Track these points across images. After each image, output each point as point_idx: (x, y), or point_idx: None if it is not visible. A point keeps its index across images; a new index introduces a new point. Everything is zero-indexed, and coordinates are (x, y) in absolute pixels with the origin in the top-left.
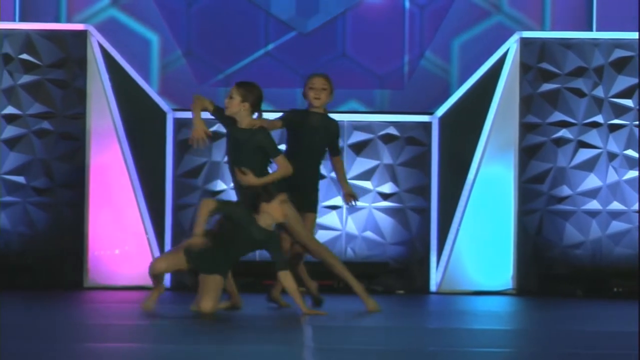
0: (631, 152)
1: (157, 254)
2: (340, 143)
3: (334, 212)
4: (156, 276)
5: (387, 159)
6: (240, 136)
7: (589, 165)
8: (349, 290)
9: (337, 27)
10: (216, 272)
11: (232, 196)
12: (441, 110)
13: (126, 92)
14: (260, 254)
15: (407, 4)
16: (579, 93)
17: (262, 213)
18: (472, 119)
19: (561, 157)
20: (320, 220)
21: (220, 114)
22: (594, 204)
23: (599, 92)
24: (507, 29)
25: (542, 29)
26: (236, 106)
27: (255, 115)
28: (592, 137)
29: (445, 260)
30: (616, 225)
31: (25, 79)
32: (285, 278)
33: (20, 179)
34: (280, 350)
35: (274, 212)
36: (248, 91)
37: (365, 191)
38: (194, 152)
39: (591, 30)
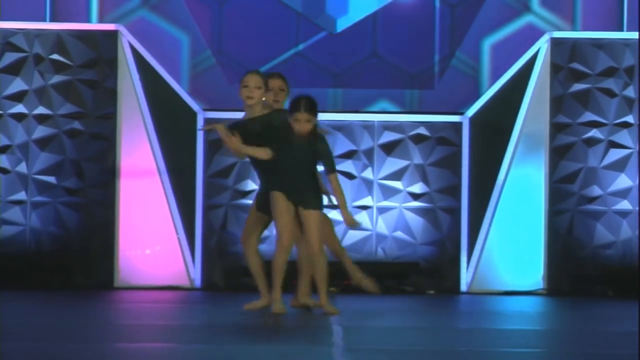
0: None
1: (187, 254)
2: (371, 143)
3: (364, 212)
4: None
5: (418, 159)
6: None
7: (619, 166)
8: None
9: (367, 27)
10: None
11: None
12: (472, 111)
13: (157, 92)
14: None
15: (438, 4)
16: (610, 93)
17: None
18: (503, 119)
19: (592, 157)
20: None
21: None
22: (624, 204)
23: (630, 92)
24: (537, 29)
25: (573, 29)
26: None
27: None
28: (623, 137)
29: (476, 260)
30: None
31: (56, 79)
32: (336, 181)
33: (51, 179)
34: (309, 349)
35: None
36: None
37: (396, 191)
38: (224, 153)
39: (622, 30)
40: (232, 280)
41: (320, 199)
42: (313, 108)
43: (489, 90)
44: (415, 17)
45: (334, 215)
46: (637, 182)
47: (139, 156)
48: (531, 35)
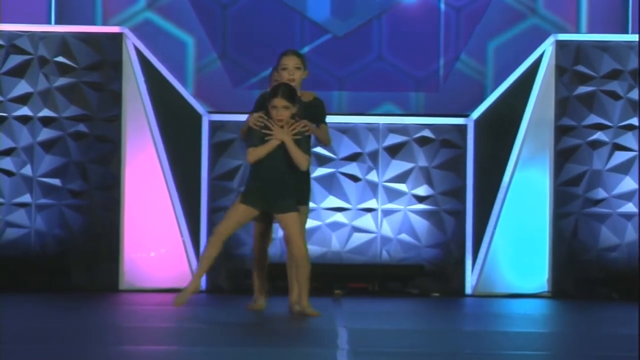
0: None
1: (192, 256)
2: (376, 145)
3: (369, 215)
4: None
5: (423, 162)
6: None
7: (624, 168)
8: (383, 293)
9: (372, 29)
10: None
11: None
12: (476, 113)
13: (161, 95)
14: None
15: (443, 7)
16: (615, 96)
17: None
18: (508, 122)
19: (596, 159)
20: (356, 222)
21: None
22: (629, 207)
23: (635, 94)
24: (542, 31)
25: (578, 31)
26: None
27: None
28: (628, 139)
29: (481, 262)
30: None
31: (61, 81)
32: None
33: (56, 182)
34: (314, 352)
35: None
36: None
37: (401, 194)
38: (229, 155)
39: (627, 32)
40: (236, 283)
41: (295, 198)
42: (292, 95)
43: (494, 93)
44: (420, 20)
45: (339, 217)
46: None
47: (143, 158)
48: (536, 37)
